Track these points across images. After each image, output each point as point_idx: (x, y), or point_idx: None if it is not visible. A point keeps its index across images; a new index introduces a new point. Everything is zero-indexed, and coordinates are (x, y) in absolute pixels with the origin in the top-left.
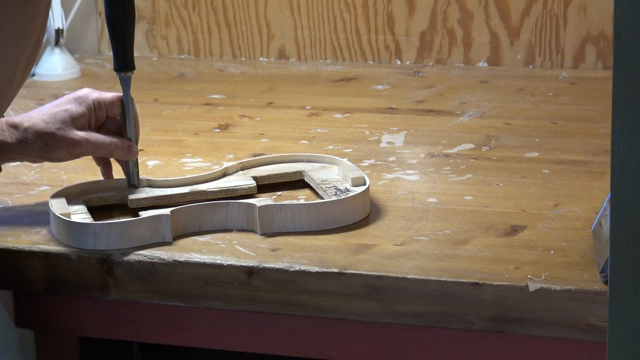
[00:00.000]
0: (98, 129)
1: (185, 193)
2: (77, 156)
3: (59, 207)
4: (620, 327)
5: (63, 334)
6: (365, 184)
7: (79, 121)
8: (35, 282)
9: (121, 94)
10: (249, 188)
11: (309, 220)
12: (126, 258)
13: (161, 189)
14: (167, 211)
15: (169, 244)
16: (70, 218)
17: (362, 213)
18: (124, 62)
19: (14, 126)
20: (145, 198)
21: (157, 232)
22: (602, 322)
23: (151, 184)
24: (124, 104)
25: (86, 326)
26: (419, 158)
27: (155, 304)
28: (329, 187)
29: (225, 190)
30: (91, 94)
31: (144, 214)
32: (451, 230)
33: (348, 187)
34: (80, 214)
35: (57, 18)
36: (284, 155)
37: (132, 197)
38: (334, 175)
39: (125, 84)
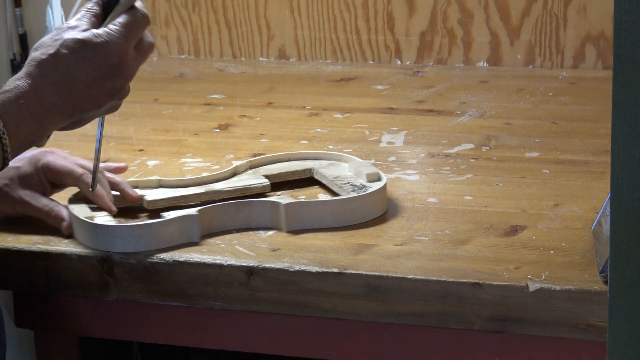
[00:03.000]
0: (53, 187)
1: (201, 193)
2: (18, 214)
3: (80, 210)
4: (620, 327)
5: (63, 334)
6: (379, 179)
7: (27, 180)
8: (35, 282)
9: (73, 168)
10: (263, 186)
11: (332, 216)
12: (126, 258)
13: (175, 189)
14: (193, 211)
15: (195, 243)
16: (94, 221)
17: (382, 208)
18: None
19: None
20: (162, 199)
21: (184, 233)
22: (602, 322)
23: (163, 184)
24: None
25: (86, 326)
26: (419, 158)
27: (155, 304)
28: (345, 184)
29: (240, 189)
30: (44, 157)
31: (169, 215)
32: (451, 230)
33: (363, 182)
34: (103, 217)
35: (57, 18)
36: (291, 153)
37: (148, 198)
38: (345, 172)
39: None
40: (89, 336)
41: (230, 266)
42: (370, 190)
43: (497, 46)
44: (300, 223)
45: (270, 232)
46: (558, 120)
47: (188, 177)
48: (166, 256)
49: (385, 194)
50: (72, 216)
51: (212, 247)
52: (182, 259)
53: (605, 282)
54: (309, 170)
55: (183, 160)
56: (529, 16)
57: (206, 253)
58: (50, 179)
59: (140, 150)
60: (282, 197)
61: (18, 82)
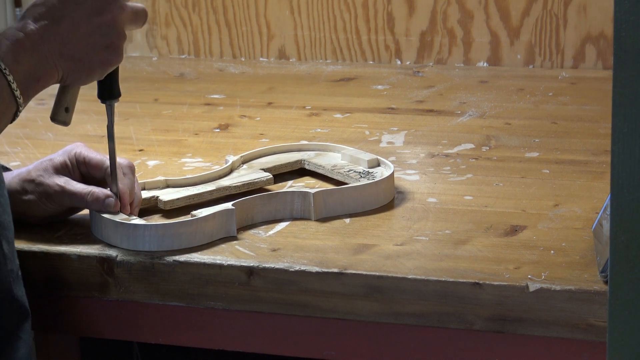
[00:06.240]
0: (84, 180)
1: (213, 190)
2: (55, 206)
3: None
4: (620, 327)
5: (63, 334)
6: (379, 164)
7: (62, 171)
8: (35, 282)
9: (104, 159)
10: (267, 180)
11: (355, 202)
12: (126, 258)
13: (185, 189)
14: (229, 205)
15: (233, 238)
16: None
17: (393, 192)
18: (109, 90)
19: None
20: (178, 199)
21: (223, 227)
22: (602, 322)
23: (170, 184)
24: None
25: (86, 326)
26: (419, 158)
27: (155, 304)
28: (348, 172)
29: (247, 184)
30: (77, 148)
31: (204, 211)
32: (451, 230)
33: (365, 169)
34: (136, 219)
35: None
36: (277, 147)
37: (164, 198)
38: (338, 161)
39: (111, 110)
40: (89, 336)
41: (230, 266)
42: (386, 174)
43: (497, 46)
44: (326, 211)
45: (271, 232)
46: (558, 120)
47: (188, 176)
48: (166, 256)
49: (393, 178)
50: (104, 219)
51: (212, 247)
52: (182, 259)
53: (605, 282)
54: (300, 161)
55: (183, 160)
56: (529, 16)
57: (206, 253)
58: (82, 171)
59: (140, 150)
60: (305, 187)
61: (5, 29)
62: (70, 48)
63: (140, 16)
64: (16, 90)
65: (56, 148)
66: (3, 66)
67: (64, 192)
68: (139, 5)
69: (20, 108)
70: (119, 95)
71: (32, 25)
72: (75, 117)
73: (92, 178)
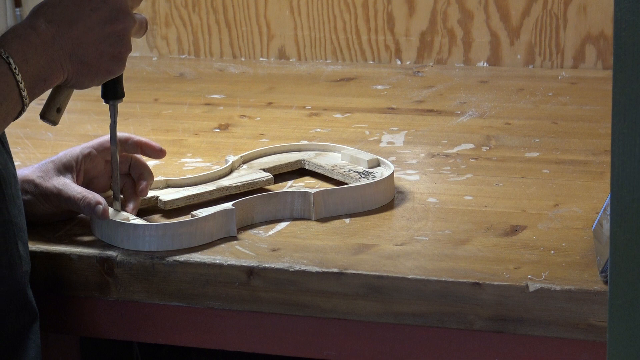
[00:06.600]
0: (89, 182)
1: (212, 190)
2: (53, 208)
3: (112, 213)
4: (620, 327)
5: (63, 334)
6: (379, 165)
7: (64, 171)
8: (35, 282)
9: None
10: (267, 180)
11: (355, 202)
12: (126, 258)
13: (185, 189)
14: (229, 205)
15: (234, 238)
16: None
17: (392, 192)
18: (114, 90)
19: None
20: (179, 199)
21: (223, 227)
22: (602, 322)
23: (170, 184)
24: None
25: (86, 326)
26: (419, 158)
27: (155, 304)
28: (348, 172)
29: (247, 184)
30: (79, 146)
31: (205, 211)
32: (451, 230)
33: (364, 169)
34: (136, 218)
35: None
36: (277, 147)
37: (164, 198)
38: (338, 161)
39: (114, 111)
40: (89, 336)
41: (230, 266)
42: (386, 174)
43: (497, 46)
44: (326, 211)
45: (271, 232)
46: (558, 120)
47: (188, 176)
48: (166, 256)
49: (393, 178)
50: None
51: (212, 247)
52: (182, 259)
53: (605, 282)
54: (300, 161)
55: (183, 160)
56: (529, 16)
57: (206, 253)
58: (87, 167)
59: None
60: (305, 187)
61: (15, 25)
62: (81, 52)
63: (143, 27)
64: (24, 90)
65: (56, 148)
66: (14, 65)
67: (60, 195)
68: (143, 16)
69: (25, 108)
70: (123, 95)
71: (44, 24)
72: (75, 117)
73: (98, 175)
